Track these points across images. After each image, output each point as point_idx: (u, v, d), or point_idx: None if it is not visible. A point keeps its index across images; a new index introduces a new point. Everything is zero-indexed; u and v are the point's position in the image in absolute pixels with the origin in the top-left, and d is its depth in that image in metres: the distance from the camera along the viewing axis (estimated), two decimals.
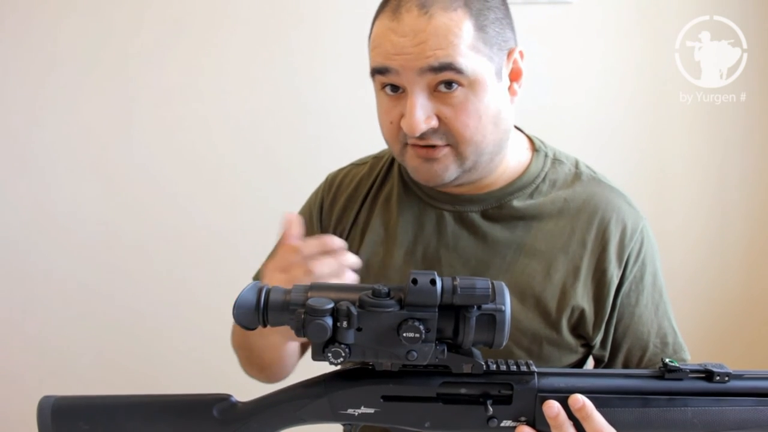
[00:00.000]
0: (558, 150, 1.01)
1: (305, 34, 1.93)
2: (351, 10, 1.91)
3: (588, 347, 0.97)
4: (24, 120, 1.97)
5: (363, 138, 1.90)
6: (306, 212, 1.09)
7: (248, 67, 1.94)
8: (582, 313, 0.92)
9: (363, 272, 0.95)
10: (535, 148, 1.00)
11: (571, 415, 0.69)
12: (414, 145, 0.87)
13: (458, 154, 0.87)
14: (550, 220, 0.94)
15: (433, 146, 0.86)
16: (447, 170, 0.88)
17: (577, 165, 1.00)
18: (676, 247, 1.95)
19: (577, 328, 0.94)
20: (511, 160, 0.96)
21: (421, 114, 0.83)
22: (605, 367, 0.97)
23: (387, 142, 0.93)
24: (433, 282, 0.64)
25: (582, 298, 0.92)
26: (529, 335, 0.92)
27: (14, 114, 1.97)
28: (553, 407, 0.69)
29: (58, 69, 1.94)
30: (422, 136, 0.85)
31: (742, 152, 1.97)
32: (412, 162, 0.89)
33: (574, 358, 0.96)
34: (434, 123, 0.84)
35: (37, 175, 1.99)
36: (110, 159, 1.98)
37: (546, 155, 0.99)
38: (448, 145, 0.86)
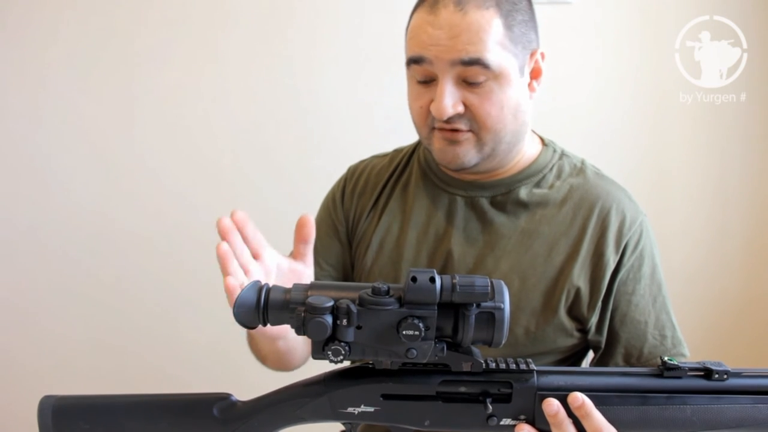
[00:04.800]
0: (566, 149, 1.09)
1: (304, 35, 1.94)
2: (350, 10, 1.92)
3: (583, 333, 1.00)
4: (25, 119, 1.97)
5: (361, 138, 1.92)
6: (330, 197, 1.18)
7: (248, 66, 1.95)
8: (578, 292, 0.97)
9: (377, 250, 1.07)
10: (544, 144, 1.08)
11: (570, 413, 0.70)
12: (440, 129, 0.96)
13: (479, 139, 0.95)
14: (554, 207, 1.01)
15: (457, 130, 0.94)
16: (468, 154, 0.96)
17: (583, 162, 1.07)
18: (676, 247, 1.95)
19: (573, 309, 0.98)
20: (524, 152, 1.04)
21: (450, 100, 0.91)
22: (603, 356, 1.01)
23: (416, 125, 1.01)
24: (432, 280, 0.64)
25: (579, 278, 0.97)
26: (527, 314, 0.97)
27: (15, 113, 1.97)
28: (552, 405, 0.69)
29: (59, 69, 1.95)
30: (448, 121, 0.93)
31: (742, 152, 1.97)
32: (438, 144, 0.97)
33: (569, 342, 1.00)
34: (460, 109, 0.93)
35: (38, 175, 1.99)
36: (112, 158, 1.99)
37: (554, 150, 1.07)
38: (470, 131, 0.95)
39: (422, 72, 0.93)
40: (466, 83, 0.92)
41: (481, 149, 0.96)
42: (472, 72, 0.90)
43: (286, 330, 0.81)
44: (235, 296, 0.70)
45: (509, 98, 0.93)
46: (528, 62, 0.96)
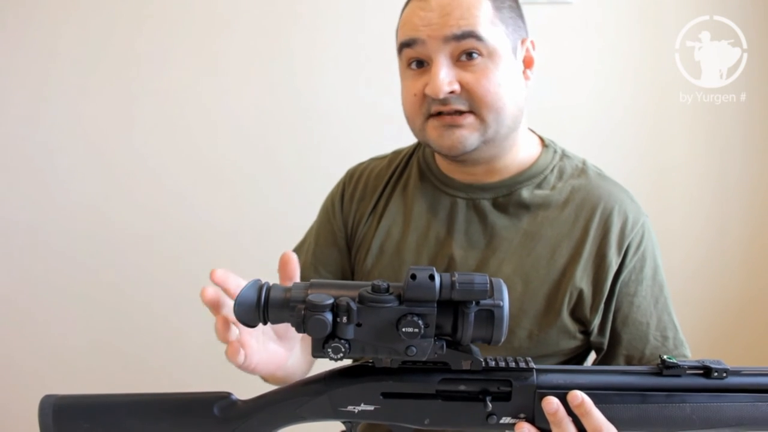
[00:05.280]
0: (567, 149, 1.08)
1: (305, 35, 1.94)
2: (350, 10, 1.92)
3: (586, 334, 1.00)
4: (26, 119, 1.97)
5: (362, 137, 1.93)
6: (329, 202, 1.17)
7: (249, 66, 1.95)
8: (581, 294, 0.96)
9: (378, 254, 1.06)
10: (545, 144, 1.07)
11: (570, 412, 0.70)
12: (437, 115, 0.94)
13: (481, 120, 0.93)
14: (556, 208, 1.00)
15: (459, 114, 0.93)
16: (470, 137, 0.94)
17: (584, 162, 1.06)
18: (675, 246, 1.95)
19: (576, 311, 0.97)
20: (523, 151, 1.03)
21: (445, 77, 0.90)
22: (605, 357, 1.00)
23: (409, 118, 0.99)
24: (431, 277, 0.65)
25: (581, 280, 0.96)
26: (530, 317, 0.97)
27: (16, 113, 1.97)
28: (552, 403, 0.69)
29: (59, 68, 1.95)
30: (445, 102, 0.92)
31: (742, 152, 1.97)
32: (434, 132, 0.95)
33: (572, 344, 0.99)
34: (456, 87, 0.91)
35: (38, 174, 2.00)
36: (112, 158, 1.99)
37: (555, 151, 1.06)
38: (471, 112, 0.93)
39: (415, 54, 0.93)
40: (461, 62, 0.91)
41: (484, 131, 0.94)
42: (467, 45, 0.90)
43: (283, 361, 0.84)
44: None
45: (505, 77, 0.93)
46: (519, 47, 0.97)
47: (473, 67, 0.91)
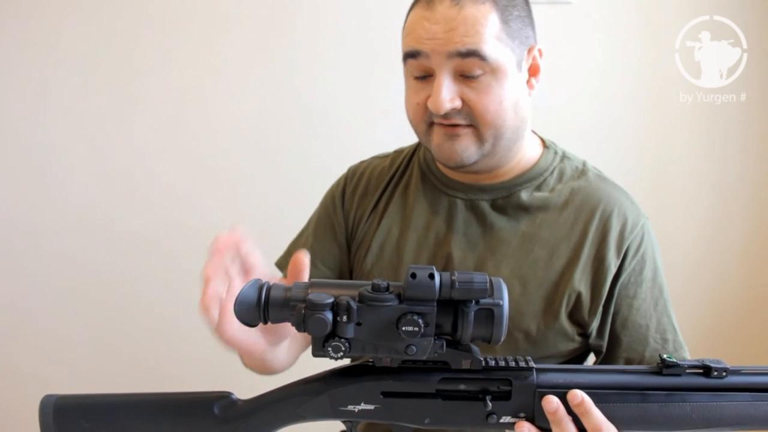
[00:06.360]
0: (567, 150, 1.08)
1: (306, 34, 1.94)
2: (351, 10, 1.92)
3: (585, 337, 0.99)
4: (27, 120, 1.97)
5: (362, 136, 1.93)
6: (329, 198, 1.16)
7: (250, 66, 1.95)
8: (579, 297, 0.96)
9: (378, 253, 1.06)
10: (545, 146, 1.06)
11: (570, 411, 0.70)
12: (439, 124, 0.94)
13: (479, 135, 0.94)
14: (555, 210, 1.00)
15: (457, 125, 0.93)
16: (467, 150, 0.94)
17: (584, 164, 1.06)
18: (675, 247, 1.96)
19: (574, 313, 0.97)
20: (524, 153, 1.03)
21: (447, 94, 0.90)
22: (605, 360, 1.00)
23: (412, 123, 0.99)
24: (431, 276, 0.65)
25: (580, 282, 0.96)
26: (528, 318, 0.96)
27: (17, 114, 1.97)
28: (552, 402, 0.69)
29: (60, 69, 1.95)
30: (446, 116, 0.92)
31: (741, 152, 1.97)
32: (436, 140, 0.96)
33: (570, 346, 0.99)
34: (458, 104, 0.91)
35: (39, 175, 2.00)
36: (112, 158, 1.99)
37: (555, 152, 1.06)
38: (470, 125, 0.93)
39: (419, 67, 0.93)
40: (464, 78, 0.91)
41: (481, 145, 0.94)
42: (469, 64, 0.89)
43: (259, 352, 0.80)
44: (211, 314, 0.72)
45: (507, 93, 0.92)
46: (525, 58, 0.95)
47: (476, 84, 0.91)
